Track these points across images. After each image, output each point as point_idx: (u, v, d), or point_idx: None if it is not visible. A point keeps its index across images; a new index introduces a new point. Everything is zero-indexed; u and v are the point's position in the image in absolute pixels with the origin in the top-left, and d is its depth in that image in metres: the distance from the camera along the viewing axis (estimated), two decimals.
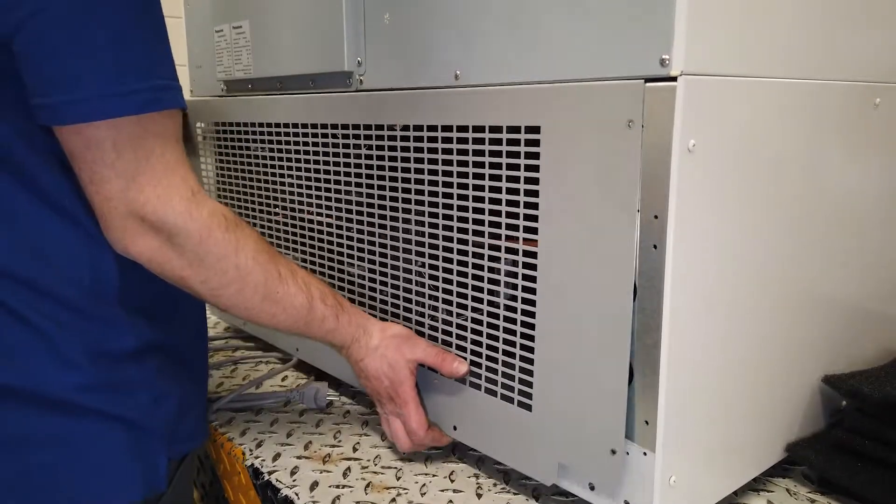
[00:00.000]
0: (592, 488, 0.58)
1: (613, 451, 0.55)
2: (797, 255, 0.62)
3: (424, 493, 0.66)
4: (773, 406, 0.65)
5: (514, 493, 0.66)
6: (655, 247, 0.51)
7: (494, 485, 0.68)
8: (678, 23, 0.47)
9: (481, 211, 0.62)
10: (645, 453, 0.54)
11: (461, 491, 0.67)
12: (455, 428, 0.70)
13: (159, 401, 0.62)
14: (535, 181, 0.57)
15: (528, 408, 0.62)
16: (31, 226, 0.56)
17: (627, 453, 0.55)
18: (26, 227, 0.56)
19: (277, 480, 0.69)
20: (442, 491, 0.67)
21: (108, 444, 0.58)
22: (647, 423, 0.53)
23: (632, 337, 0.53)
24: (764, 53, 0.55)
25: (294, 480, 0.69)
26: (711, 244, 0.54)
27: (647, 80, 0.49)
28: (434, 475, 0.70)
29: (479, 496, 0.66)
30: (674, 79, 0.48)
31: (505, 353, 0.63)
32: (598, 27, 0.52)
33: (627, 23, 0.50)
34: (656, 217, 0.50)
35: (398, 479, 0.69)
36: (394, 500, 0.65)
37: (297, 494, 0.66)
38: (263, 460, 0.73)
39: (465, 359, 0.67)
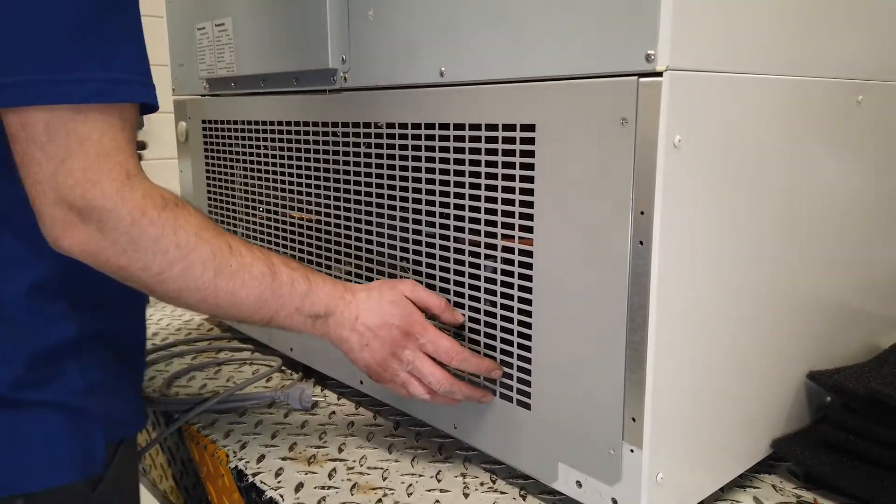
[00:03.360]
0: (580, 485, 0.58)
1: (613, 451, 0.55)
2: (782, 251, 0.62)
3: (411, 494, 0.66)
4: (759, 402, 0.65)
5: (502, 493, 0.66)
6: (642, 243, 0.51)
7: (482, 484, 0.67)
8: (663, 18, 0.47)
9: (476, 209, 0.62)
10: (632, 450, 0.54)
11: (448, 490, 0.66)
12: (455, 426, 0.70)
13: (95, 387, 0.62)
14: (531, 179, 0.57)
15: (528, 406, 0.61)
16: None
17: (613, 451, 0.55)
18: None
19: (262, 482, 0.68)
20: (429, 491, 0.66)
21: (45, 427, 0.59)
22: (633, 420, 0.53)
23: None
24: (749, 49, 0.55)
25: (279, 482, 0.68)
26: (697, 240, 0.54)
27: (639, 76, 0.49)
28: (421, 475, 0.69)
29: (466, 496, 0.65)
30: (659, 74, 0.48)
31: (503, 351, 0.63)
32: (583, 22, 0.51)
33: (613, 18, 0.50)
34: (642, 213, 0.50)
35: (384, 479, 0.68)
36: (380, 500, 0.65)
37: (281, 496, 0.66)
38: (248, 462, 0.72)
39: None
